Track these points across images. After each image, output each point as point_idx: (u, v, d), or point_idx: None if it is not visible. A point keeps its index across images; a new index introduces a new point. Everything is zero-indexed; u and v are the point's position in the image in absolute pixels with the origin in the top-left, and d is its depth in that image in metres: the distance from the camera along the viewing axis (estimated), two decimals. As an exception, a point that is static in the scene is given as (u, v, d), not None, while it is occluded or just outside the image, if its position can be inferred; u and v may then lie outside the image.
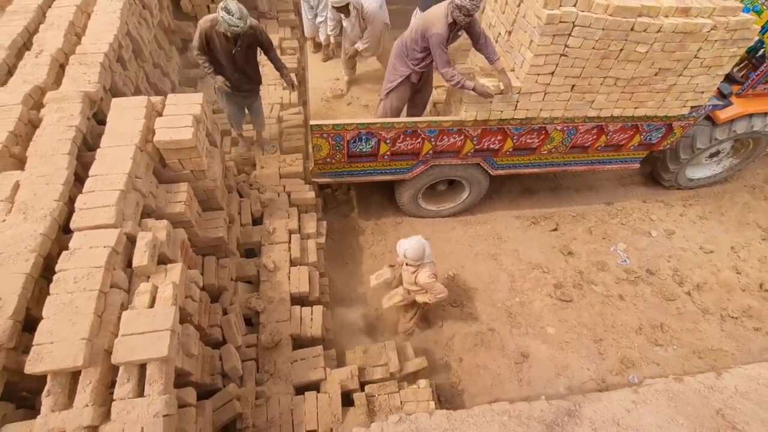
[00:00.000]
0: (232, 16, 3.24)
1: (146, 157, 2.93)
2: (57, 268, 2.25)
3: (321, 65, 5.11)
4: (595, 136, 4.28)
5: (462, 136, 4.03)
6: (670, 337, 4.27)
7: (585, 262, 4.80)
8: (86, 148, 3.03)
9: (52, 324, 2.06)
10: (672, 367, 4.07)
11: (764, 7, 4.08)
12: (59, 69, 3.26)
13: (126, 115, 2.95)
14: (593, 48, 3.32)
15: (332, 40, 4.95)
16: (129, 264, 2.50)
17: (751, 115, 4.53)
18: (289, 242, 3.86)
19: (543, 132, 4.12)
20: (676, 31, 3.23)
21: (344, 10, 4.16)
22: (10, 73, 3.18)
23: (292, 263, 3.76)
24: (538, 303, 4.42)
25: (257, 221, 4.07)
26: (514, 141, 4.17)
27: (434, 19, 3.42)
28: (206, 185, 3.35)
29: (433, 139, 4.01)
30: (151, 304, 2.34)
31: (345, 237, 4.85)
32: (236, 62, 3.71)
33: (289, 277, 3.64)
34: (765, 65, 4.19)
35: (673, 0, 3.23)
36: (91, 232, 2.39)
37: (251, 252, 3.97)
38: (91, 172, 2.64)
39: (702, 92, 3.84)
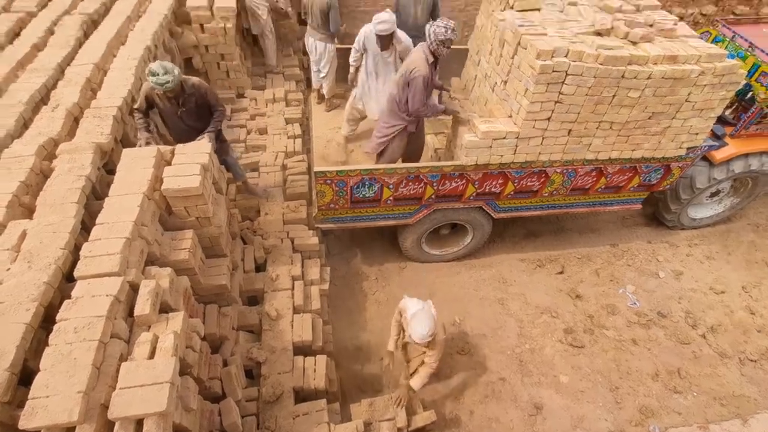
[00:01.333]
0: (158, 75, 3.17)
1: (153, 206, 2.96)
2: (58, 317, 2.20)
3: (324, 115, 5.31)
4: (594, 178, 4.34)
5: (464, 181, 4.10)
6: (689, 384, 4.08)
7: (594, 305, 4.69)
8: (95, 197, 3.08)
9: (49, 377, 1.99)
10: (694, 415, 3.85)
11: (748, 53, 4.29)
12: (73, 122, 3.39)
13: (136, 165, 3.01)
14: (587, 95, 3.45)
15: (351, 69, 4.71)
16: (130, 312, 2.45)
17: (747, 155, 4.63)
18: (293, 289, 3.80)
19: (543, 175, 4.18)
20: (665, 77, 3.37)
21: (386, 40, 4.11)
22: (26, 126, 3.30)
23: (295, 311, 3.68)
24: (548, 349, 4.27)
25: (260, 268, 4.04)
26: (515, 184, 4.22)
27: (415, 62, 3.65)
28: (211, 232, 3.36)
29: (435, 184, 4.07)
30: (151, 355, 2.26)
31: (349, 283, 4.79)
32: (186, 123, 3.64)
33: (292, 326, 3.54)
34: (755, 107, 4.34)
35: (660, 48, 3.40)
36: (95, 280, 2.36)
37: (253, 299, 3.90)
38: (98, 221, 2.65)
39: (696, 134, 3.94)
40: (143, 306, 2.39)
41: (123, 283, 2.38)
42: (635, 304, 4.71)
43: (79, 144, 3.10)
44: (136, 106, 3.51)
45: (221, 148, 4.00)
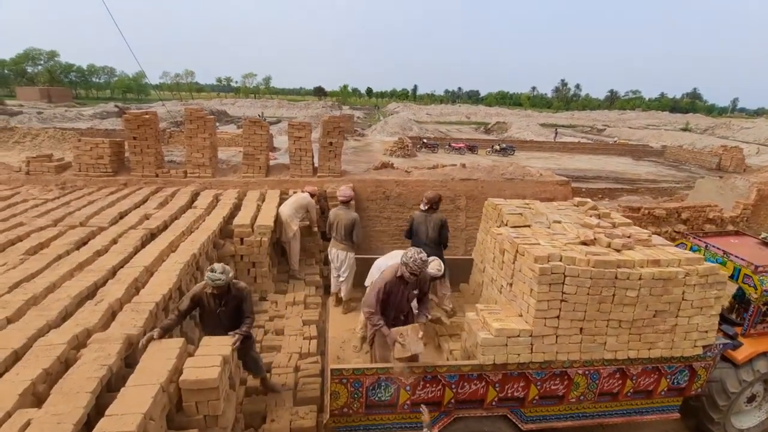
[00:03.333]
0: (215, 272, 3.67)
1: (165, 398, 2.87)
2: None
3: (341, 317, 5.53)
4: (620, 381, 4.16)
5: (483, 383, 3.95)
6: None
7: None
8: (108, 389, 3.02)
9: None
10: None
11: (725, 259, 4.77)
12: (111, 315, 3.63)
13: (159, 356, 3.09)
14: (588, 294, 3.72)
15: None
16: None
17: (767, 354, 4.55)
18: None
19: (566, 377, 4.04)
20: (655, 278, 3.70)
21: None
22: (67, 318, 3.53)
23: None
24: None
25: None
26: (538, 387, 4.04)
27: (387, 270, 4.12)
28: (214, 435, 3.11)
29: (453, 386, 3.92)
30: None
31: None
32: (223, 322, 3.89)
33: None
34: (752, 306, 4.52)
35: (642, 254, 3.86)
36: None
37: None
38: (107, 412, 2.57)
39: (706, 331, 4.00)
40: None
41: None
42: None
43: (111, 334, 3.26)
44: (179, 307, 3.77)
45: (248, 342, 4.14)
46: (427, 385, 3.89)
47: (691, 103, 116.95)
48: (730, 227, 9.44)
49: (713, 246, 5.03)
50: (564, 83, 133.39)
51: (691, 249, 5.23)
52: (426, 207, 5.55)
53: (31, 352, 3.06)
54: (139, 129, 7.82)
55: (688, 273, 3.77)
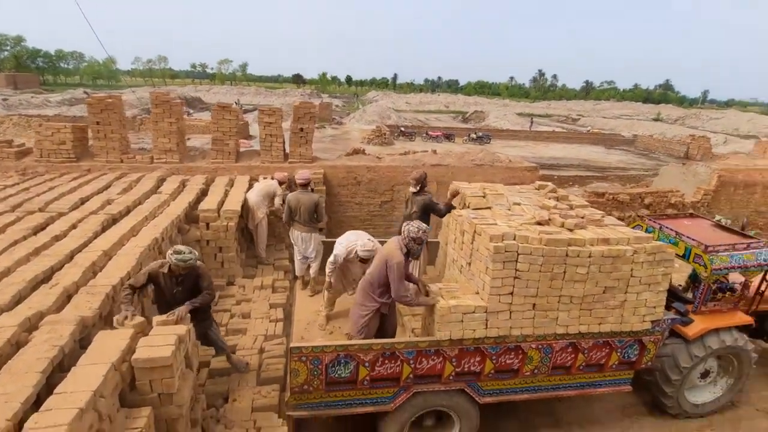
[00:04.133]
0: (182, 253, 3.67)
1: (117, 377, 2.88)
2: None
3: (307, 299, 5.58)
4: (572, 355, 4.35)
5: (441, 358, 4.08)
6: None
7: None
8: (61, 370, 3.00)
9: None
10: None
11: (677, 239, 5.00)
12: (66, 298, 3.58)
13: (113, 336, 3.08)
14: (540, 271, 3.86)
15: (332, 281, 5.18)
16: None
17: (717, 330, 4.81)
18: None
19: (520, 351, 4.20)
20: (604, 255, 3.87)
21: (367, 261, 4.81)
22: (20, 301, 3.47)
23: None
24: None
25: (219, 464, 3.54)
26: (494, 362, 4.19)
27: (392, 251, 4.11)
28: (170, 413, 3.13)
29: (411, 362, 4.03)
30: None
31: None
32: (179, 301, 3.80)
33: None
34: (703, 284, 4.78)
35: (593, 233, 4.02)
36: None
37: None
38: (56, 390, 2.56)
39: (654, 307, 4.21)
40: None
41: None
42: None
43: (65, 317, 3.23)
44: (131, 282, 3.71)
45: (204, 322, 4.13)
46: (386, 361, 3.99)
47: (664, 94, 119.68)
48: (691, 212, 9.86)
49: (667, 227, 5.26)
50: (541, 73, 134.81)
51: (646, 230, 5.46)
52: (417, 188, 5.56)
53: (-21, 334, 3.01)
54: (102, 113, 7.60)
55: (636, 251, 3.95)
